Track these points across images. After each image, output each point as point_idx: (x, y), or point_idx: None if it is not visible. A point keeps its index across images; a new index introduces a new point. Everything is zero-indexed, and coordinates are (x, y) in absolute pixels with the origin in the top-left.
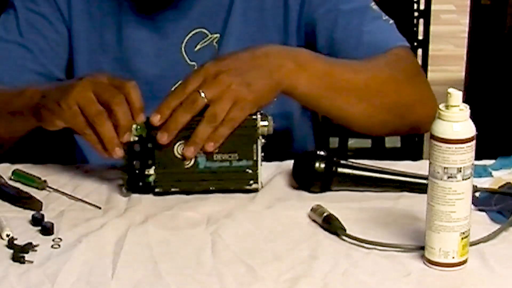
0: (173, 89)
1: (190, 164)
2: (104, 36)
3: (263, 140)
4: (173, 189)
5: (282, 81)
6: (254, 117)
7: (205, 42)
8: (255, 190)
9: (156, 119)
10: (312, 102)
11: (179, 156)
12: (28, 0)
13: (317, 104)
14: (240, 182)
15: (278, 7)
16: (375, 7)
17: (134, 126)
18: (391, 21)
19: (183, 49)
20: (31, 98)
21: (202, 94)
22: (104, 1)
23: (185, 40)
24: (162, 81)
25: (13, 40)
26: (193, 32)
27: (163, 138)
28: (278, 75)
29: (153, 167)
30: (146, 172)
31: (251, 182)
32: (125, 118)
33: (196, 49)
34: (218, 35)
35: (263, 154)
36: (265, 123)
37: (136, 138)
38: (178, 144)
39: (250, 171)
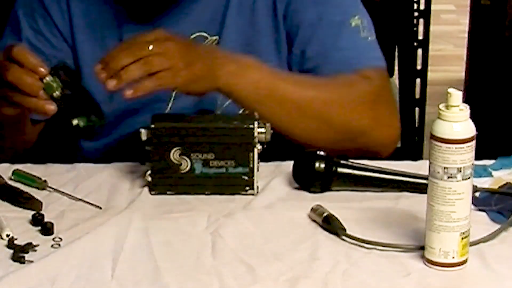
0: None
1: (186, 170)
2: (106, 45)
3: (260, 147)
4: (168, 193)
5: (219, 80)
6: (251, 125)
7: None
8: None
9: (102, 75)
10: (250, 108)
11: (175, 161)
12: (30, 19)
13: (255, 110)
14: (235, 188)
15: (267, 6)
16: (356, 21)
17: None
18: (370, 38)
19: None
20: None
21: (150, 47)
22: (104, 12)
23: None
24: None
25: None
26: (193, 36)
27: (111, 83)
28: (217, 73)
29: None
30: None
31: (247, 188)
32: (29, 85)
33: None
34: (217, 37)
35: (259, 160)
36: (262, 130)
37: (58, 92)
38: (174, 149)
39: (246, 178)
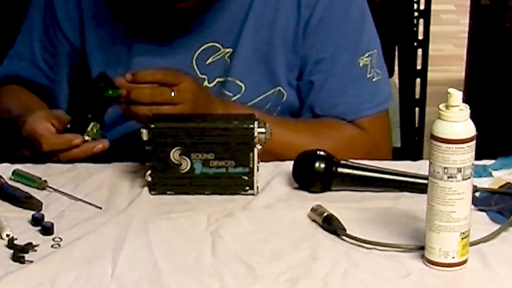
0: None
1: (186, 170)
2: (116, 49)
3: (259, 147)
4: (168, 193)
5: None
6: (251, 125)
7: (217, 56)
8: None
9: (128, 76)
10: None
11: (175, 161)
12: (46, 15)
13: None
14: (235, 188)
15: (288, 28)
16: (365, 60)
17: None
18: (376, 78)
19: (194, 61)
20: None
21: (172, 94)
22: (115, 22)
23: (197, 53)
24: None
25: (27, 58)
26: (205, 46)
27: (123, 92)
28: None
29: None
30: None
31: (247, 188)
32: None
33: (207, 62)
34: (230, 49)
35: (259, 160)
36: (262, 130)
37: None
38: (174, 149)
39: (246, 178)
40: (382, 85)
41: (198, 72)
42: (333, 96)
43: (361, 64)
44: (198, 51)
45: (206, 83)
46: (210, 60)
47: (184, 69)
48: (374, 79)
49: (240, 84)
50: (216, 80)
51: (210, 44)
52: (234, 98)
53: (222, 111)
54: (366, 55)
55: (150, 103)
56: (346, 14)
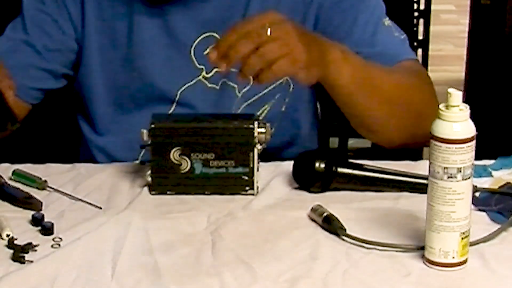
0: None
1: (186, 170)
2: (115, 35)
3: (260, 147)
4: (168, 193)
5: (327, 67)
6: (251, 125)
7: None
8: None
9: (213, 55)
10: (345, 95)
11: (175, 161)
12: (38, 3)
13: (348, 99)
14: (235, 188)
15: (294, 17)
16: (388, 21)
17: None
18: (403, 36)
19: (192, 51)
20: None
21: (269, 30)
22: (115, 5)
23: (195, 43)
24: (168, 83)
25: (19, 38)
26: (203, 36)
27: (222, 65)
28: (326, 59)
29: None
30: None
31: (247, 188)
32: None
33: (205, 52)
34: None
35: (260, 160)
36: (263, 130)
37: None
38: (174, 149)
39: (246, 178)
40: (408, 43)
41: (196, 63)
42: (368, 50)
43: (386, 24)
44: (197, 41)
45: (204, 73)
46: (208, 50)
47: (182, 60)
48: (402, 37)
49: None
50: (214, 70)
51: (208, 34)
52: (243, 90)
53: (327, 42)
54: (387, 18)
55: (251, 52)
56: None
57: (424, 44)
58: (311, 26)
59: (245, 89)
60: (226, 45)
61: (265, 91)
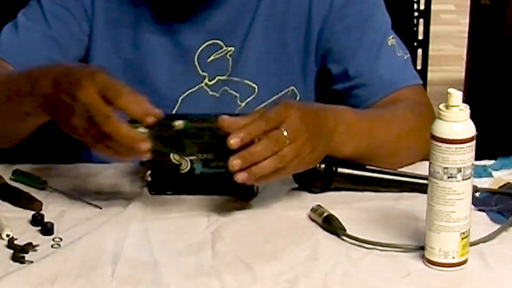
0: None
1: (186, 170)
2: (120, 39)
3: None
4: (168, 193)
5: (332, 147)
6: None
7: (219, 53)
8: (250, 197)
9: (236, 143)
10: (348, 158)
11: (175, 161)
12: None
13: (353, 159)
14: (235, 188)
15: (300, 28)
16: (392, 40)
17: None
18: (406, 56)
19: (196, 58)
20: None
21: (285, 133)
22: (124, 8)
23: (199, 49)
24: (171, 89)
25: (41, 31)
26: (208, 43)
27: (242, 176)
28: (331, 143)
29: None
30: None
31: (247, 188)
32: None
33: (209, 60)
34: (232, 48)
35: None
36: None
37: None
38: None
39: None
40: (411, 64)
41: (199, 70)
42: (369, 76)
43: (389, 44)
44: (201, 48)
45: (206, 80)
46: (211, 57)
47: (186, 66)
48: (404, 57)
49: (253, 85)
50: (217, 78)
51: (213, 41)
52: (247, 99)
53: (333, 119)
54: (391, 36)
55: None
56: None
57: (424, 44)
58: (315, 39)
59: (252, 97)
60: (247, 140)
61: (270, 101)
